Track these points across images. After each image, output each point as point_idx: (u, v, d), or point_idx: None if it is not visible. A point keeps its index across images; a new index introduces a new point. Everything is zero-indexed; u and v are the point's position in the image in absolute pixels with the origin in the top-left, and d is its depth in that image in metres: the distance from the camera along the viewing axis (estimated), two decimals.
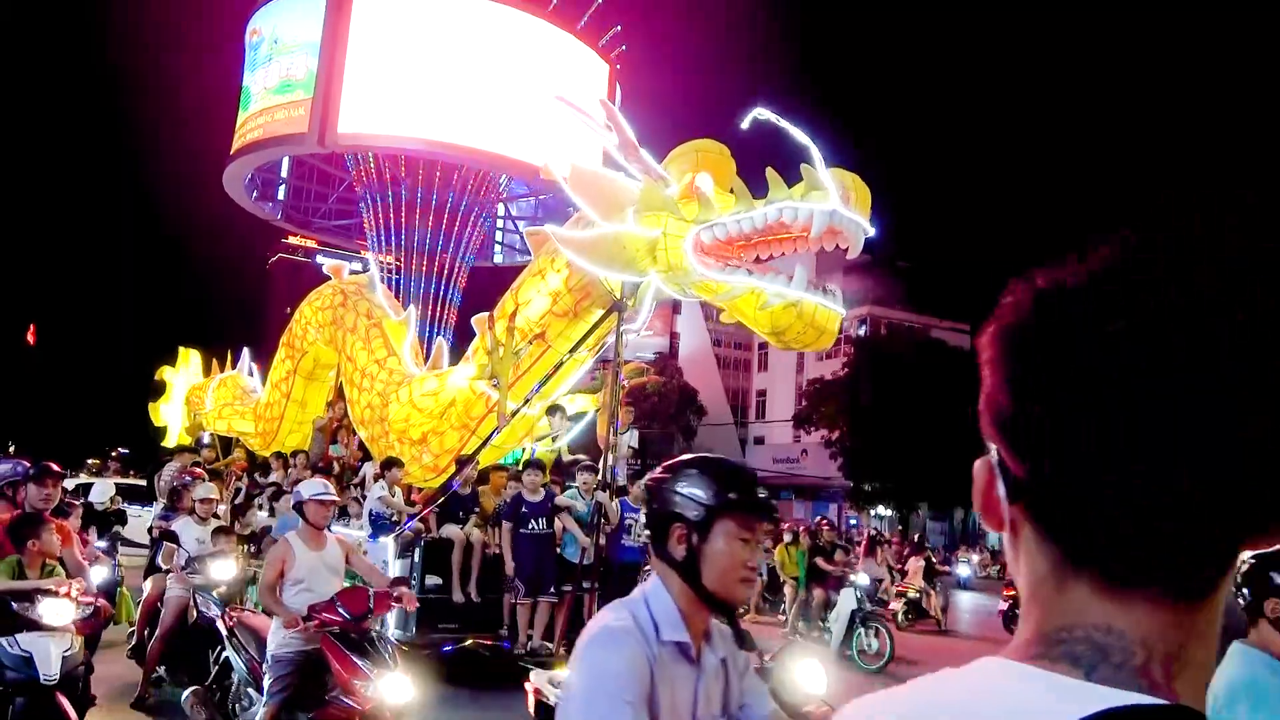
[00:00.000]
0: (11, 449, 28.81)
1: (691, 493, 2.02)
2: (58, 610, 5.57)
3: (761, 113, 8.01)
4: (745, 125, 8.21)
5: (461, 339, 13.45)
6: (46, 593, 5.56)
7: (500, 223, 41.70)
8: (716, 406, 57.66)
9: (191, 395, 18.61)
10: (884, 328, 51.95)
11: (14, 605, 5.46)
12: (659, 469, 2.18)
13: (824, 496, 54.88)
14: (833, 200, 7.45)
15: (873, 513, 50.02)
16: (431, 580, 9.49)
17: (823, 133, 8.01)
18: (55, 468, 6.37)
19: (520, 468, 9.89)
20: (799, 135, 7.82)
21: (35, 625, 5.48)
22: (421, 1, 32.19)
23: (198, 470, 11.79)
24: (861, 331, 53.52)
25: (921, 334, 49.24)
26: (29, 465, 6.76)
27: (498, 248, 42.85)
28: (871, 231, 7.96)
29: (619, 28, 36.02)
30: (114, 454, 28.84)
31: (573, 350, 9.58)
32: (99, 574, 10.80)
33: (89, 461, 28.45)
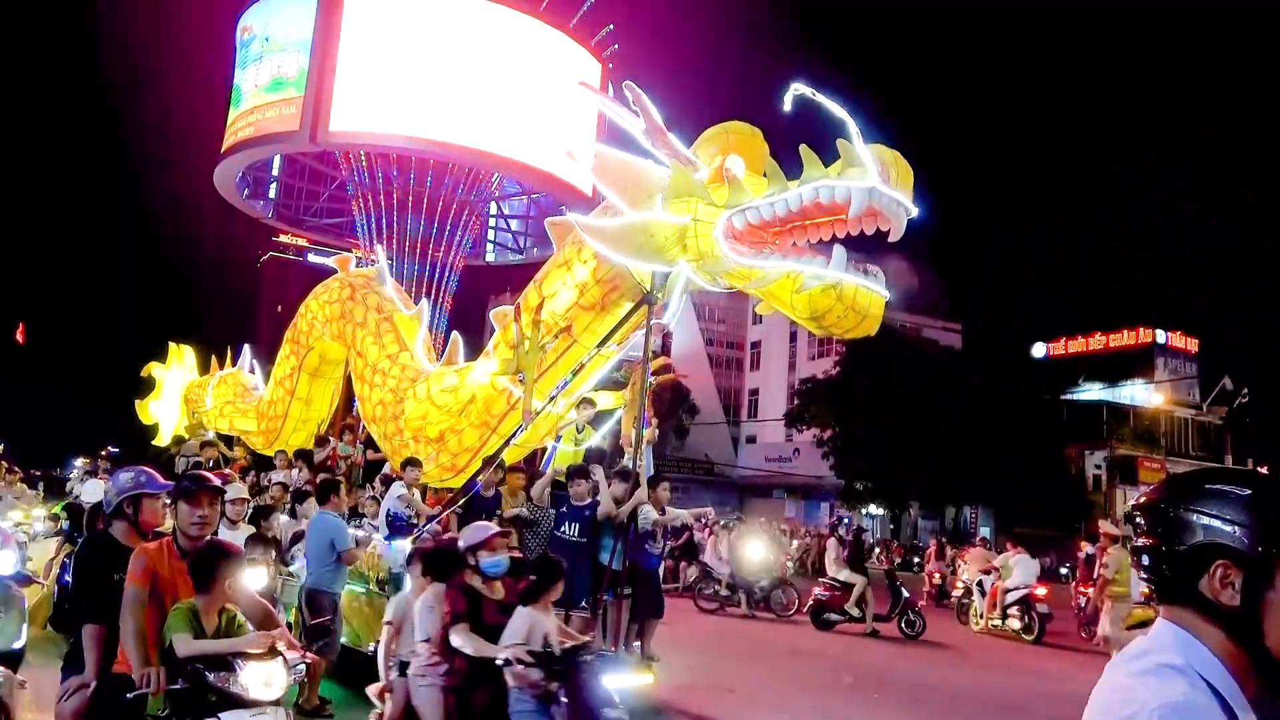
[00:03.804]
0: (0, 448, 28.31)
1: (1243, 519, 1.55)
2: (268, 677, 4.18)
3: (800, 89, 7.69)
4: (787, 106, 7.90)
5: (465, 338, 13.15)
6: (247, 654, 4.16)
7: (492, 221, 41.50)
8: (709, 405, 57.52)
9: (190, 393, 18.25)
10: None
11: (209, 676, 4.05)
12: (1165, 485, 1.71)
13: (816, 495, 54.86)
14: (872, 177, 7.04)
15: (864, 512, 49.97)
16: None
17: (819, 129, 7.69)
18: (213, 479, 4.79)
19: (565, 476, 9.50)
20: (837, 110, 7.47)
21: (240, 701, 4.11)
22: None
23: (225, 471, 11.44)
24: None
25: (913, 333, 49.21)
26: (157, 475, 5.13)
27: (490, 246, 42.67)
28: (915, 212, 7.51)
29: (611, 26, 35.87)
30: (104, 453, 28.37)
31: (600, 345, 9.26)
32: None
33: (79, 461, 28.08)
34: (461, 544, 5.69)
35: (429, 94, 30.97)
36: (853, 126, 7.29)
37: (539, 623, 5.47)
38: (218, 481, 4.81)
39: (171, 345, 20.14)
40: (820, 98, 7.49)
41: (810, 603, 16.85)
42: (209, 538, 4.57)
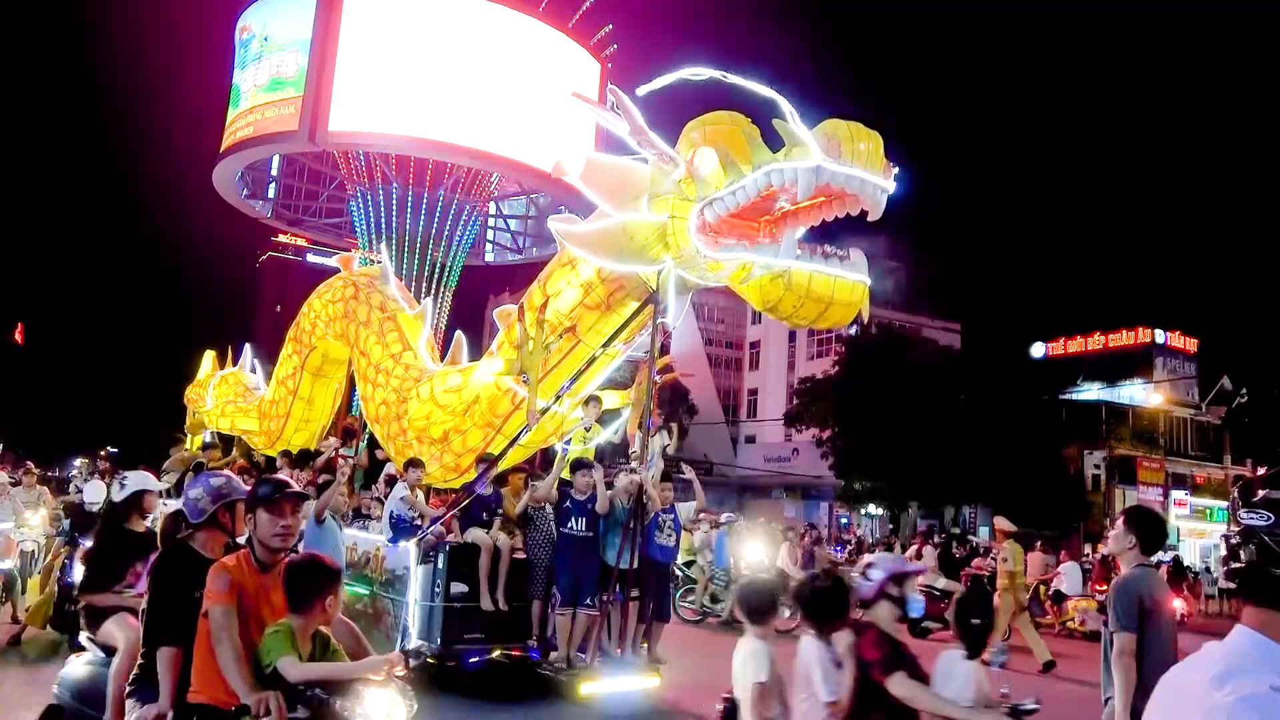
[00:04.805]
0: None
1: None
2: (390, 706, 3.69)
3: (697, 72, 7.55)
4: (653, 88, 7.80)
5: (452, 336, 13.10)
6: (367, 680, 3.69)
7: (491, 221, 41.41)
8: (708, 405, 57.40)
9: (191, 393, 18.24)
10: (874, 326, 51.83)
11: (335, 703, 3.61)
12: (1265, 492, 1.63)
13: (815, 495, 54.80)
14: (815, 155, 6.90)
15: (863, 511, 49.94)
16: (457, 588, 9.09)
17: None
18: (293, 484, 4.31)
19: (570, 469, 9.45)
20: (759, 89, 7.26)
21: None
22: None
23: (225, 471, 11.39)
24: (852, 330, 53.44)
25: (913, 333, 49.16)
26: (251, 482, 4.77)
27: (489, 246, 42.58)
28: (889, 186, 7.22)
29: (610, 26, 35.80)
30: (103, 453, 28.36)
31: (605, 345, 9.20)
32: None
33: (78, 461, 28.05)
34: (878, 574, 4.46)
35: (428, 94, 30.89)
36: (786, 106, 7.16)
37: (983, 679, 4.37)
38: (295, 484, 4.40)
39: (208, 352, 20.13)
40: (731, 78, 7.36)
41: None
42: (308, 552, 4.20)
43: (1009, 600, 14.12)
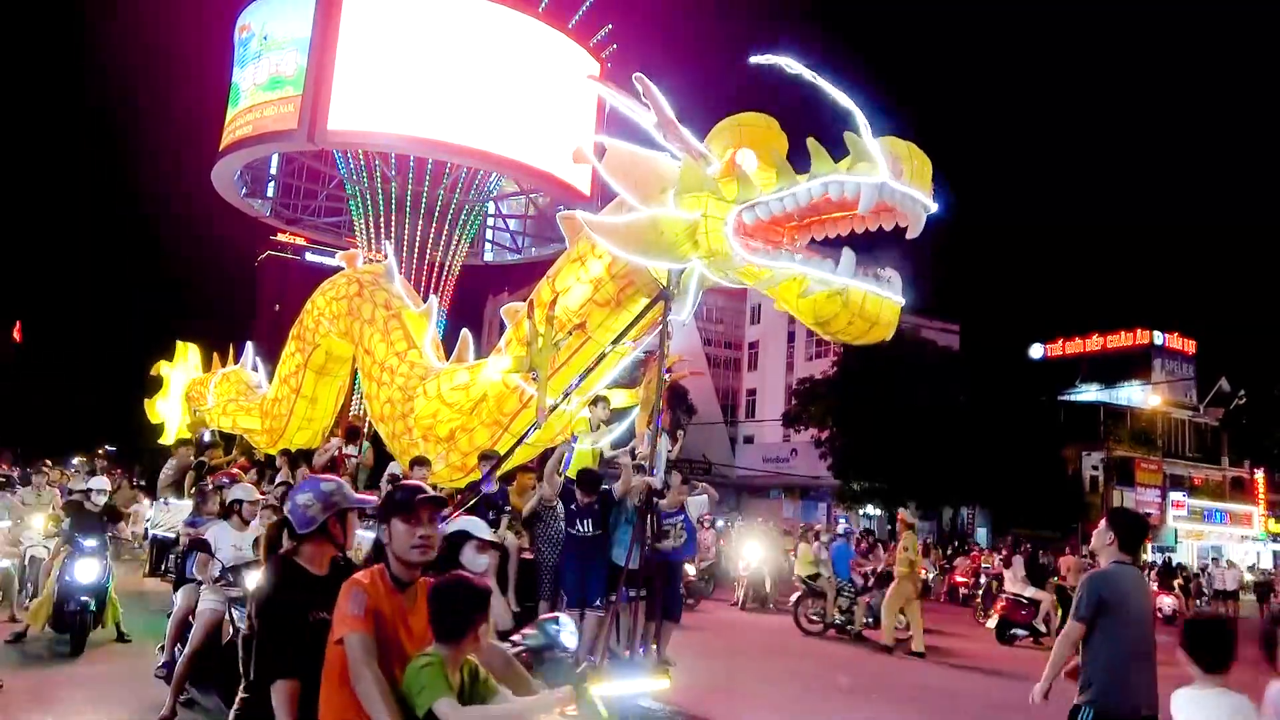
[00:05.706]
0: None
1: None
2: None
3: (789, 63, 7.43)
4: (757, 61, 7.58)
5: (451, 336, 13.02)
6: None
7: (491, 220, 41.35)
8: (706, 405, 57.33)
9: (191, 390, 18.13)
10: None
11: None
12: None
13: (813, 496, 54.77)
14: (882, 172, 6.78)
15: (861, 512, 49.92)
16: None
17: (829, 122, 7.42)
18: (428, 489, 3.75)
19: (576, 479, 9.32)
20: (840, 97, 7.13)
21: None
22: None
23: (234, 470, 11.27)
24: None
25: (911, 333, 49.12)
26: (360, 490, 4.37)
27: (488, 246, 42.53)
28: (934, 207, 7.21)
29: (610, 26, 35.76)
30: (100, 450, 28.31)
31: (615, 342, 9.08)
32: (90, 571, 10.27)
33: (76, 460, 28.01)
34: None
35: (427, 94, 30.82)
36: (860, 119, 7.04)
37: None
38: (429, 489, 3.84)
39: (179, 344, 20.08)
40: (821, 81, 7.22)
41: (996, 616, 17.33)
42: (454, 573, 3.68)
43: (907, 587, 14.91)
